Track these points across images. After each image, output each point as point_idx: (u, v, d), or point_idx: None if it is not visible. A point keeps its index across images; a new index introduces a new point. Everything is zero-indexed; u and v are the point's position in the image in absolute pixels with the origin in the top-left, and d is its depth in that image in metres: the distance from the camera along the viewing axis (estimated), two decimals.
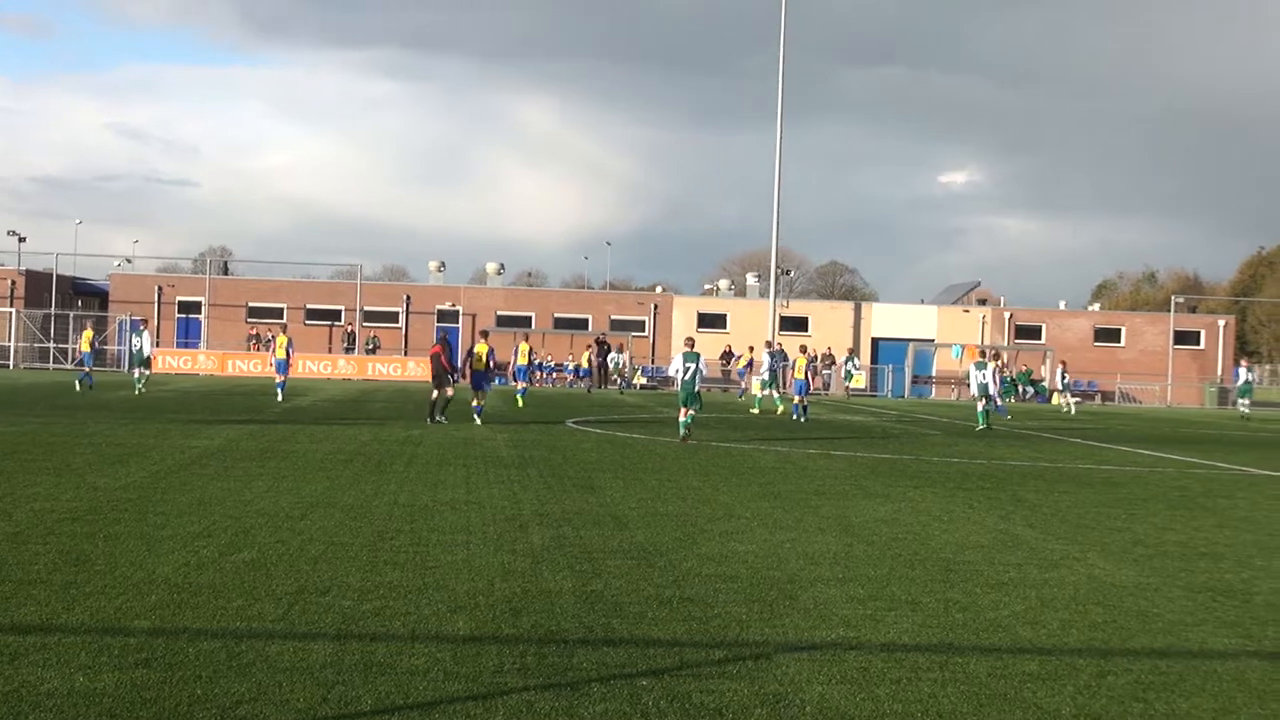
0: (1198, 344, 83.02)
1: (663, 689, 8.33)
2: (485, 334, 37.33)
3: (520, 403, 46.86)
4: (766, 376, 49.71)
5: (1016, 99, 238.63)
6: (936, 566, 13.28)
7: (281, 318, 76.23)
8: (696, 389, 30.60)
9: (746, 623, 10.32)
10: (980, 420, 41.74)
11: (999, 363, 66.73)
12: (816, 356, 63.81)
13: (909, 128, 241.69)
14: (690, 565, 12.80)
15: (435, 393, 34.66)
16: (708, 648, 9.52)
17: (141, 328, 49.06)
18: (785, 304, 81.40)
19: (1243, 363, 64.16)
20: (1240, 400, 60.89)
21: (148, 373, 47.26)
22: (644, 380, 71.72)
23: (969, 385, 46.29)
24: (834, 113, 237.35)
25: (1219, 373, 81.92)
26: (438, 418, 33.99)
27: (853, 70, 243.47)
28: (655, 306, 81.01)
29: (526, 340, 54.98)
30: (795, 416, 43.54)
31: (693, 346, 31.49)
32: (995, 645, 9.88)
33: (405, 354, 76.50)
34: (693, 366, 30.54)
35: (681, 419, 30.69)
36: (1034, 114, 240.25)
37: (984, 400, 42.31)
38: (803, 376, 45.56)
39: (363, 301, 78.08)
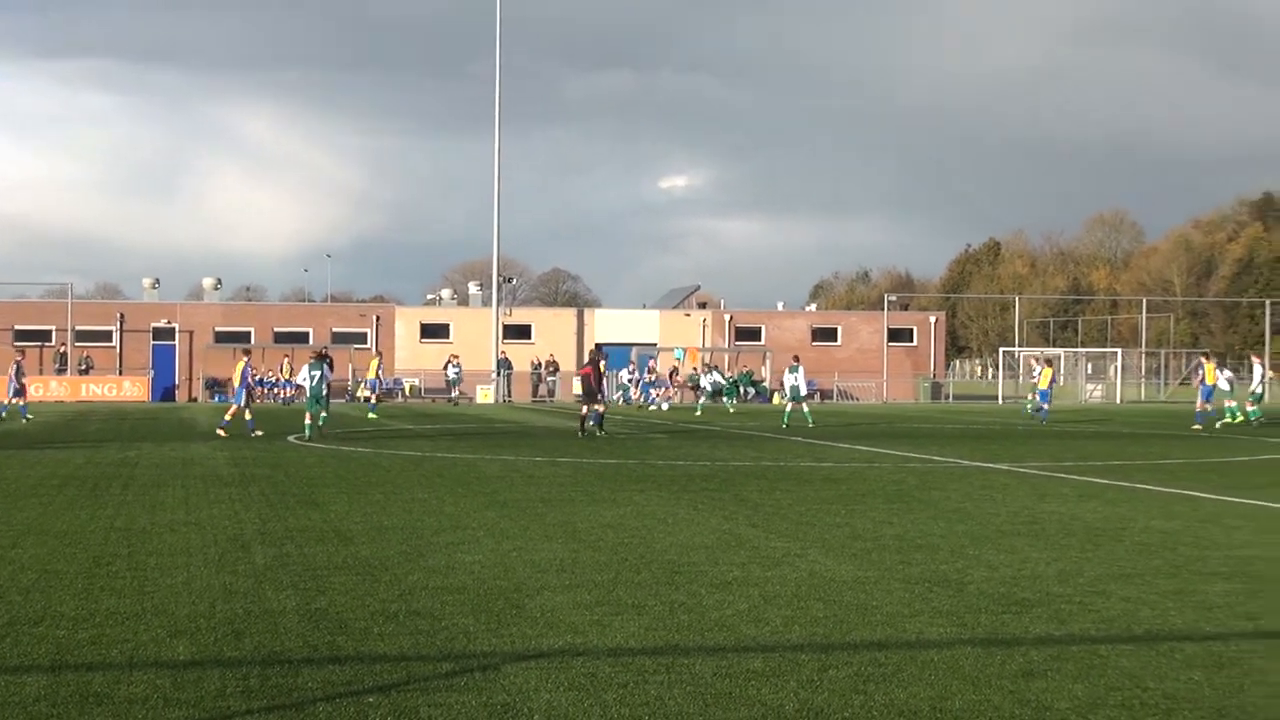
0: (911, 341, 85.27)
1: (390, 705, 8.25)
2: (248, 352, 41.32)
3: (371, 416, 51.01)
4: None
5: (739, 102, 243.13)
6: (662, 569, 13.40)
7: None
8: (323, 395, 36.18)
9: (474, 634, 10.29)
10: (807, 420, 44.80)
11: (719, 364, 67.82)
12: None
13: (632, 132, 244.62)
14: (416, 578, 12.71)
15: (585, 408, 38.65)
16: (435, 661, 9.47)
17: None
18: (508, 312, 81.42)
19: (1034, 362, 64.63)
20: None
21: None
22: (367, 393, 70.94)
23: (781, 389, 48.82)
24: (560, 117, 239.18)
25: (931, 368, 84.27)
26: (597, 431, 37.69)
27: (579, 74, 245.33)
28: (378, 318, 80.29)
29: (378, 356, 58.36)
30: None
31: (319, 356, 36.95)
32: (720, 644, 10.01)
33: (120, 373, 74.54)
34: (318, 375, 35.74)
35: (308, 423, 35.75)
36: (756, 117, 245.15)
37: (794, 402, 45.72)
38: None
39: (74, 321, 75.81)
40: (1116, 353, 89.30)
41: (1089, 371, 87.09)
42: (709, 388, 64.19)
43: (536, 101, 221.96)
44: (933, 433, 42.10)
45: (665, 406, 64.34)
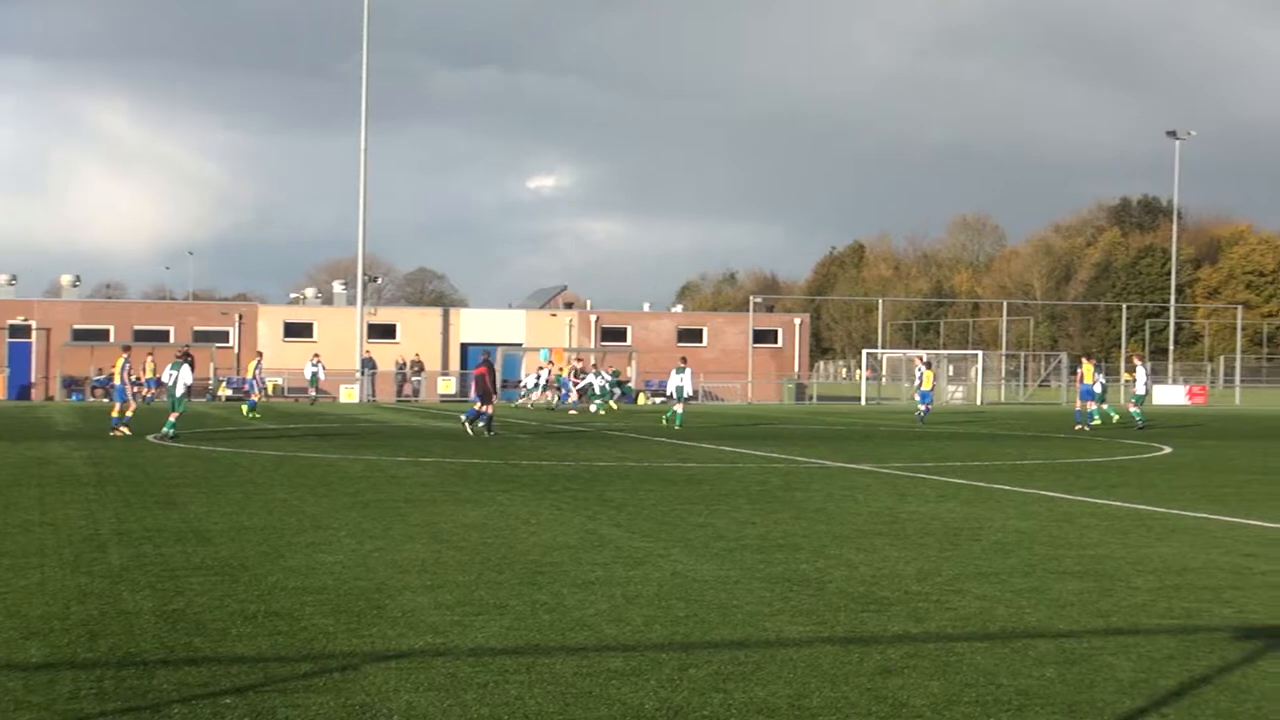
0: (776, 342, 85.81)
1: (247, 706, 8.18)
2: (128, 349, 40.01)
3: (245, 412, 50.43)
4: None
5: (608, 103, 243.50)
6: (524, 569, 13.38)
7: None
8: (180, 395, 35.42)
9: (334, 634, 10.22)
10: (676, 421, 45.14)
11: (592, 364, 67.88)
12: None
13: (501, 130, 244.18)
14: (276, 579, 12.60)
15: (481, 406, 39.04)
16: (294, 662, 9.39)
17: None
18: (374, 311, 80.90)
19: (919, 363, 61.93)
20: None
21: None
22: (229, 392, 70.27)
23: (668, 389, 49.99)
24: (428, 115, 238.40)
25: (796, 369, 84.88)
26: (485, 432, 38.05)
27: (448, 72, 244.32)
28: (240, 316, 79.45)
29: (258, 355, 58.18)
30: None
31: (182, 356, 36.55)
32: (581, 644, 10.01)
33: None
34: (176, 374, 35.56)
35: (172, 419, 35.06)
36: (625, 118, 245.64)
37: (679, 402, 45.98)
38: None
39: None
40: (978, 355, 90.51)
41: (951, 373, 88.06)
42: (598, 389, 64.21)
43: (405, 99, 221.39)
44: (796, 434, 42.41)
45: (594, 408, 64.13)
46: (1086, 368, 47.41)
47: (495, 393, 40.24)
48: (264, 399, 52.27)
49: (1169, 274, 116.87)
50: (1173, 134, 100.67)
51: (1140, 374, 50.49)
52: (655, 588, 12.40)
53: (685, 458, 29.82)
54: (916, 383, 55.77)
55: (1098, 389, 47.29)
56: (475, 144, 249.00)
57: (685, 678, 8.99)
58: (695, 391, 63.28)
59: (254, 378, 54.50)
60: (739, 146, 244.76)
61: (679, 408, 46.08)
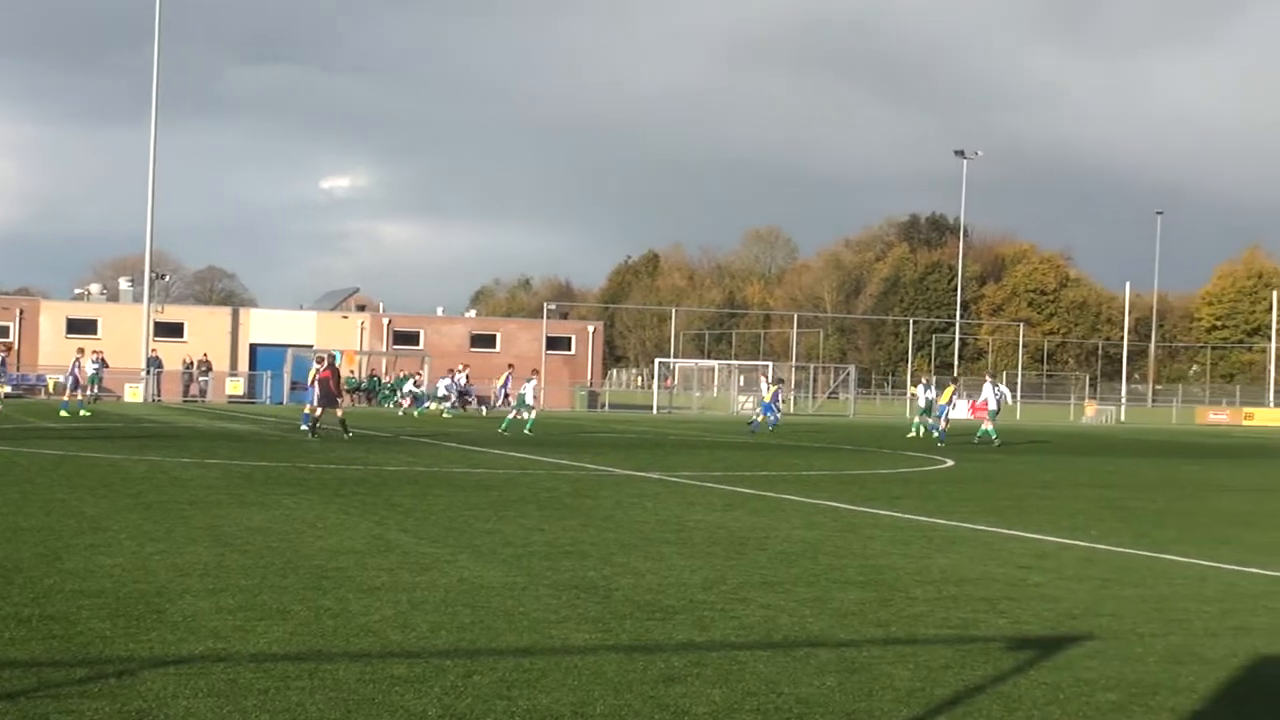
0: (569, 349, 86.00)
1: (19, 712, 7.97)
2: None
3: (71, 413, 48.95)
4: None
5: (404, 104, 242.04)
6: (309, 574, 13.22)
7: None
8: None
9: (111, 639, 10.00)
10: (508, 426, 47.01)
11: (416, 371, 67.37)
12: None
13: (293, 129, 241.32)
14: (52, 582, 12.29)
15: (321, 411, 38.96)
16: (69, 666, 9.17)
17: None
18: (160, 309, 79.44)
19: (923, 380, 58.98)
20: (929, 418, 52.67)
21: None
22: (9, 389, 68.48)
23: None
24: (218, 111, 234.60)
25: (589, 377, 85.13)
26: (344, 434, 38.16)
27: (239, 68, 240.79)
28: (21, 312, 77.48)
29: (79, 352, 56.00)
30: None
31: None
32: (365, 651, 9.93)
33: None
34: None
35: None
36: (421, 120, 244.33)
37: (524, 411, 48.12)
38: None
39: None
40: (768, 366, 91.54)
41: (741, 384, 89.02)
42: (446, 392, 64.56)
43: (193, 94, 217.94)
44: (587, 441, 42.52)
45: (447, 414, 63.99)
46: (947, 391, 48.63)
47: (341, 395, 40.67)
48: (73, 397, 50.98)
49: (955, 290, 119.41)
50: (960, 153, 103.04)
51: (988, 391, 51.41)
52: (441, 594, 12.34)
53: (474, 463, 29.74)
54: (760, 395, 58.29)
55: (921, 404, 48.66)
56: (268, 142, 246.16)
57: (469, 685, 8.96)
58: (470, 394, 64.60)
59: (73, 374, 52.76)
60: (537, 152, 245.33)
61: (528, 414, 47.70)
